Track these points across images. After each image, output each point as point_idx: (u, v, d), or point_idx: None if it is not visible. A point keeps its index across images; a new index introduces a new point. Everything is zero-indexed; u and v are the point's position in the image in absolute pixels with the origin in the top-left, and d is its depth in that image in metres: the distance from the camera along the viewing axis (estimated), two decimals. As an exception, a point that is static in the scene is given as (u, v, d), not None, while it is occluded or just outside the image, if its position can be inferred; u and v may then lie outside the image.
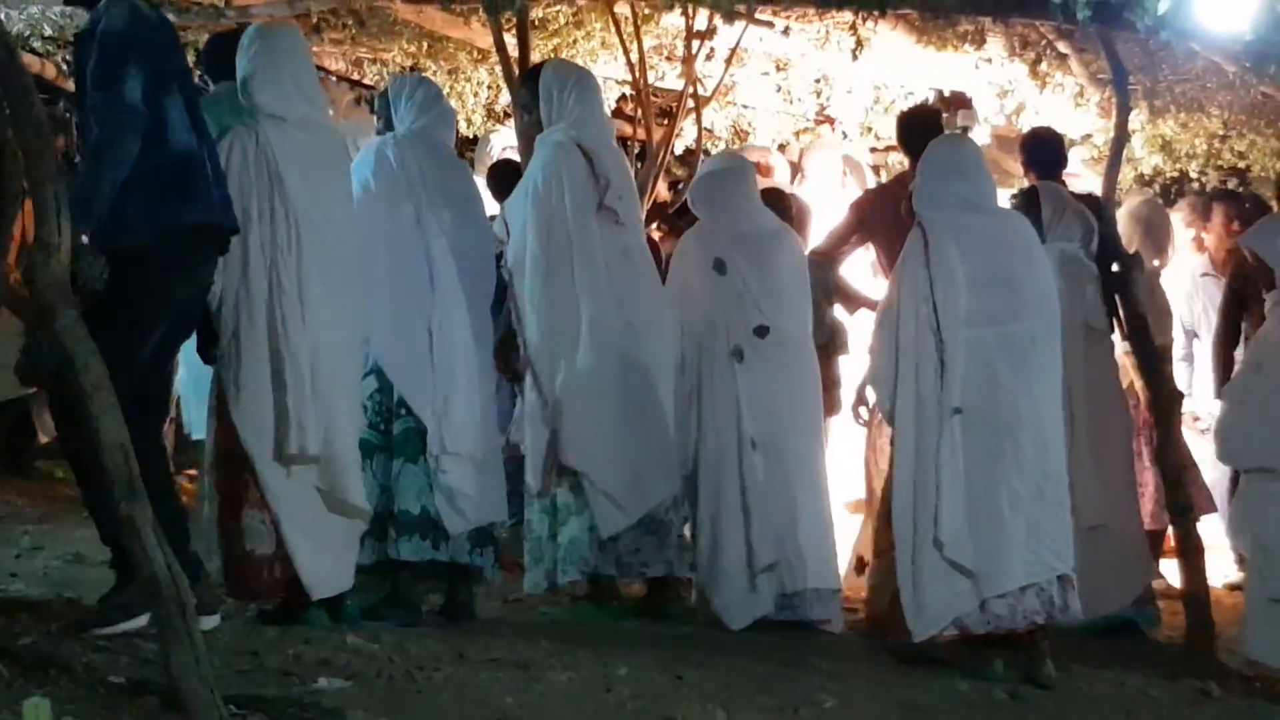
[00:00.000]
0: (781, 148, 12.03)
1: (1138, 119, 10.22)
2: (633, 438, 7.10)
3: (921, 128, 8.46)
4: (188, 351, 6.34)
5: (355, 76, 11.74)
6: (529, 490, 7.07)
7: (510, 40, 8.68)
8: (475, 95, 11.47)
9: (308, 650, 5.51)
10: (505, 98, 10.54)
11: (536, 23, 9.87)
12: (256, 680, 5.07)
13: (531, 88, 7.37)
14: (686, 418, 7.35)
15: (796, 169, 11.47)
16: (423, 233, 6.77)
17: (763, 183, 10.19)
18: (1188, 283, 10.02)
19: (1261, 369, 7.21)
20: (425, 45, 10.99)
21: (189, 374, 6.89)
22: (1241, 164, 11.32)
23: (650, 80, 10.36)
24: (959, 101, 11.01)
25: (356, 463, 6.28)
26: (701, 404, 7.37)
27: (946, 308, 6.55)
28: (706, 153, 11.09)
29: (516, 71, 8.52)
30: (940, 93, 11.00)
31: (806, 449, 7.52)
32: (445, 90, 11.03)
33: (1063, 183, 8.49)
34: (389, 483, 6.64)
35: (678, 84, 10.79)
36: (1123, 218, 9.29)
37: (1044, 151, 8.53)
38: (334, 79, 11.45)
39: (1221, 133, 10.73)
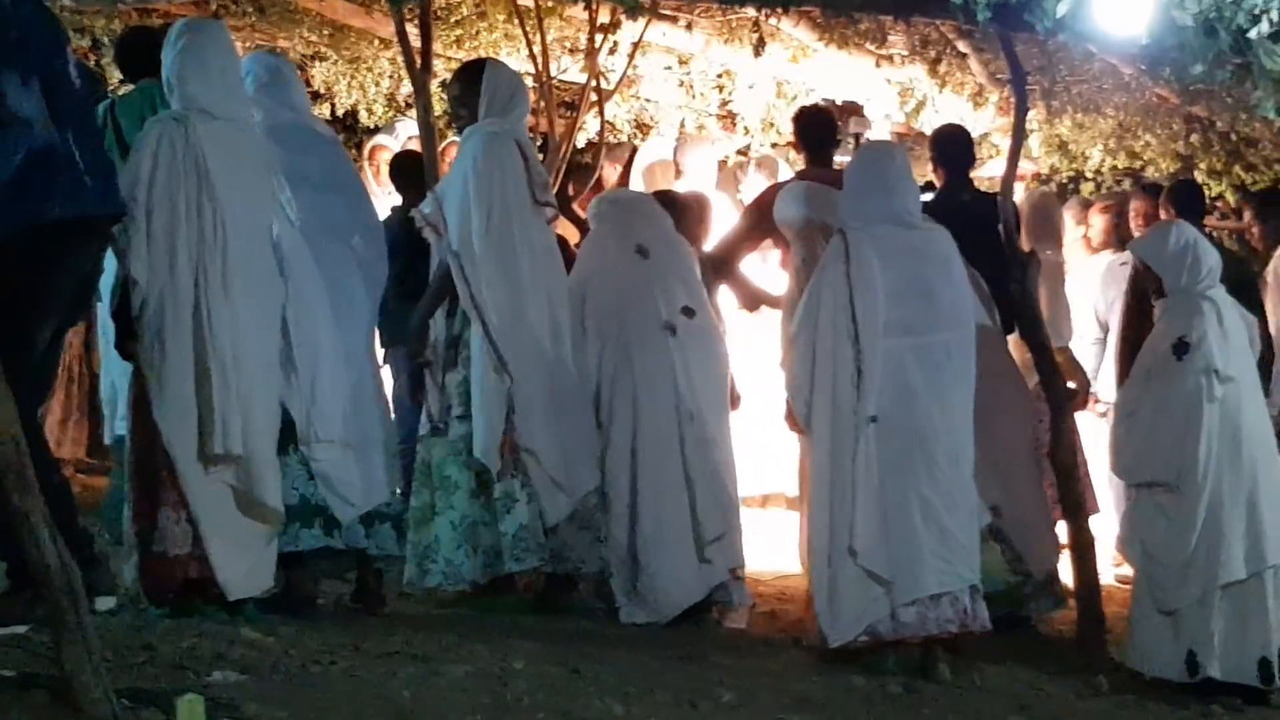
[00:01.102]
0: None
1: (1035, 119, 10.33)
2: (565, 427, 7.16)
3: (816, 126, 8.52)
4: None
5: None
6: (466, 476, 7.06)
7: (412, 30, 8.64)
8: (377, 85, 11.43)
9: (202, 643, 5.46)
10: (407, 87, 10.50)
11: (439, 13, 9.85)
12: (149, 674, 5.01)
13: (470, 83, 7.34)
14: (610, 403, 7.38)
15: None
16: (273, 218, 6.53)
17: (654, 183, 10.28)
18: (1103, 272, 10.12)
19: (1150, 379, 7.30)
20: (326, 34, 10.94)
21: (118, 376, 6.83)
22: (1136, 164, 11.44)
23: (553, 73, 10.34)
24: (851, 110, 11.09)
25: (274, 463, 6.23)
26: (635, 384, 7.38)
27: (865, 318, 6.60)
28: (608, 145, 11.11)
29: (418, 62, 8.48)
30: (832, 102, 11.04)
31: (721, 429, 7.58)
32: (346, 80, 11.02)
33: (970, 181, 8.58)
34: None
35: (581, 77, 10.79)
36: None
37: (953, 149, 8.59)
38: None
39: (1117, 133, 10.85)
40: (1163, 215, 9.70)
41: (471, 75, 7.41)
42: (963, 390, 6.77)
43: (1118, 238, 10.39)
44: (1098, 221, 10.47)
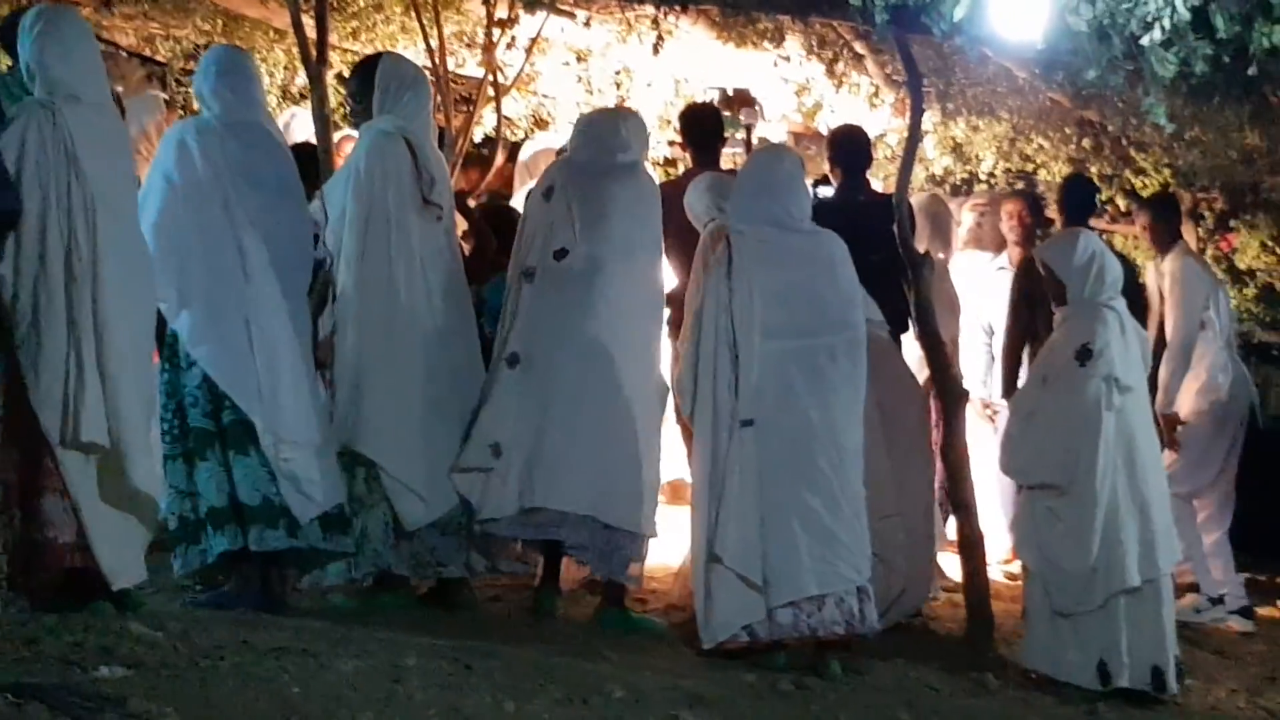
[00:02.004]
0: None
1: (930, 120, 10.40)
2: (434, 435, 7.06)
3: (702, 124, 8.54)
4: None
5: (147, 53, 11.53)
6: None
7: (308, 21, 8.57)
8: (271, 76, 11.32)
9: (89, 638, 5.39)
10: (302, 78, 10.43)
11: (335, 4, 9.79)
12: (35, 668, 4.95)
13: (365, 77, 7.29)
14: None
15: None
16: (232, 223, 6.64)
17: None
18: (985, 275, 10.22)
19: (1047, 382, 7.39)
20: (220, 23, 10.84)
21: None
22: (1029, 167, 11.55)
23: (450, 67, 10.30)
24: (742, 100, 11.10)
25: (146, 449, 6.15)
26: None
27: (742, 321, 6.63)
28: (506, 141, 11.08)
29: (314, 53, 8.42)
30: (724, 91, 11.06)
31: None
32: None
33: (866, 181, 8.63)
34: (228, 473, 6.56)
35: (478, 72, 10.75)
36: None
37: (851, 149, 8.64)
38: (125, 55, 11.24)
39: (1011, 136, 10.94)
40: (1055, 212, 9.83)
41: (366, 70, 7.36)
42: (848, 393, 6.80)
43: (979, 237, 10.52)
44: (966, 219, 10.59)
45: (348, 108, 7.82)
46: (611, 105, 7.93)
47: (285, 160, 6.99)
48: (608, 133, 7.49)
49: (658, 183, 7.84)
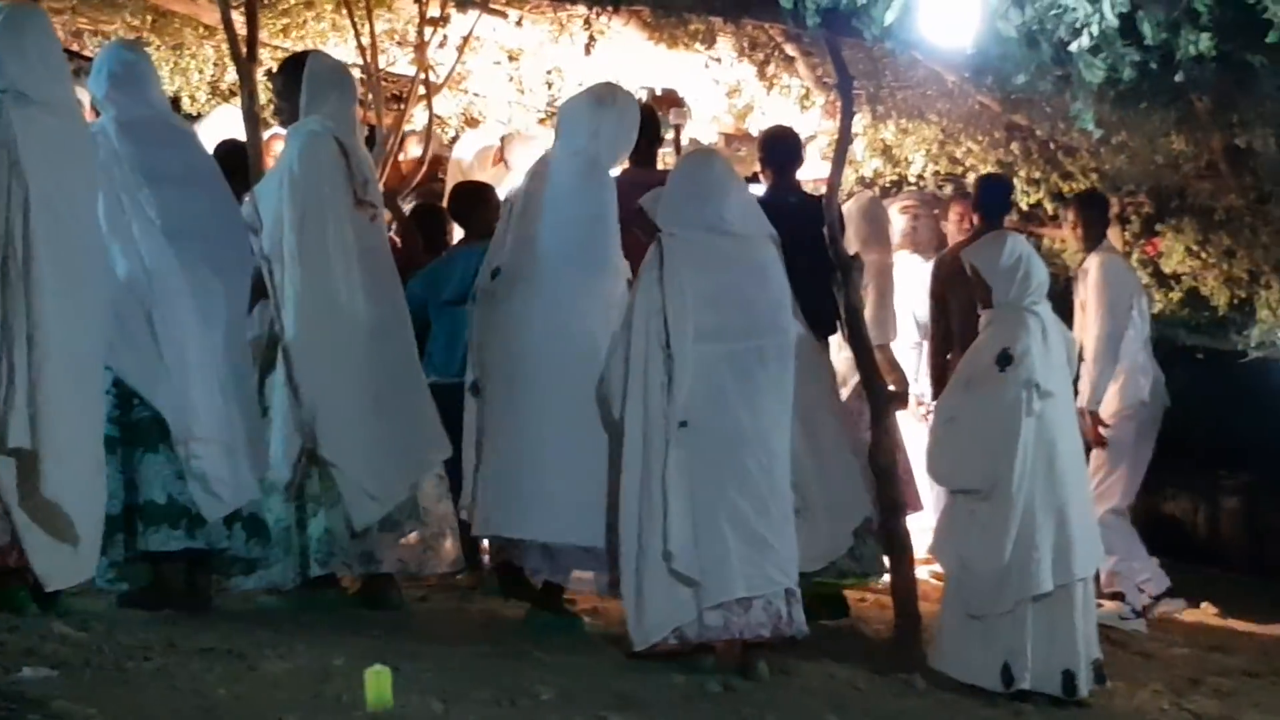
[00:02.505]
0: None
1: (860, 123, 10.44)
2: (378, 431, 7.05)
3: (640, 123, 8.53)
4: None
5: (75, 48, 11.44)
6: (274, 481, 6.97)
7: (238, 18, 8.54)
8: (200, 72, 11.27)
9: (12, 638, 5.36)
10: (231, 75, 10.39)
11: (266, 1, 9.74)
12: (-42, 668, 4.92)
13: (291, 76, 7.25)
14: None
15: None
16: (127, 219, 6.54)
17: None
18: (920, 275, 10.28)
19: (971, 386, 7.43)
20: (149, 19, 10.77)
21: None
22: (958, 170, 11.61)
23: (381, 65, 10.28)
24: (671, 100, 11.13)
25: (77, 458, 6.06)
26: None
27: (676, 324, 6.63)
28: (439, 140, 11.07)
29: (243, 50, 8.38)
30: (652, 90, 11.08)
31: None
32: (169, 66, 10.86)
33: (797, 183, 8.65)
34: (133, 475, 6.48)
35: (409, 70, 10.74)
36: (848, 215, 9.52)
37: (781, 150, 8.66)
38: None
39: (940, 139, 11.00)
40: (970, 210, 9.90)
41: (292, 69, 7.31)
42: (777, 396, 6.80)
43: (915, 239, 10.59)
44: (898, 221, 10.65)
45: (275, 107, 7.78)
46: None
47: (193, 150, 6.97)
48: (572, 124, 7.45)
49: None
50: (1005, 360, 7.25)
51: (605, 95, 7.48)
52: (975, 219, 9.50)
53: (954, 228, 10.25)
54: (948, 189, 11.74)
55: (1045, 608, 7.18)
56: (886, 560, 8.04)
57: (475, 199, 8.80)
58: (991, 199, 9.50)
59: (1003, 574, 7.14)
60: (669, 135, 10.69)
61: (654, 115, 9.00)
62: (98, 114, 6.90)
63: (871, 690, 6.92)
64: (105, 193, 6.46)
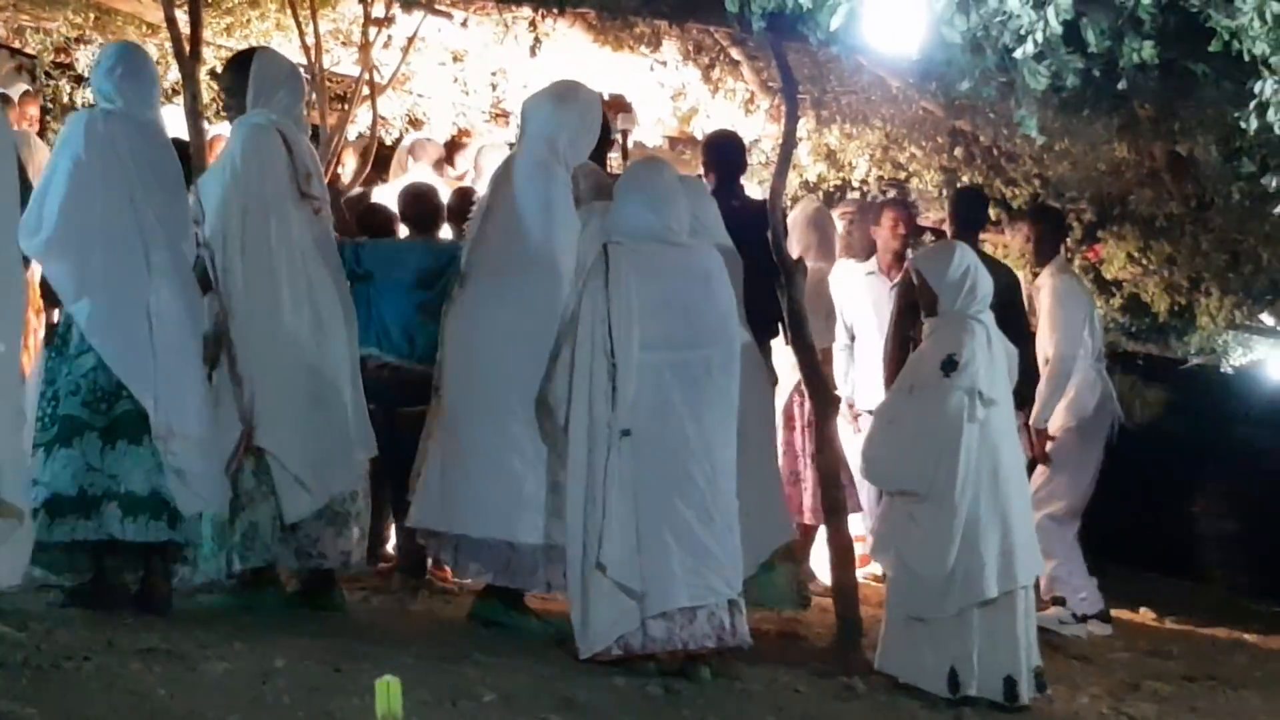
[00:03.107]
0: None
1: (805, 127, 10.46)
2: (316, 424, 7.06)
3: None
4: None
5: (16, 45, 11.38)
6: None
7: (181, 16, 8.50)
8: (144, 70, 11.18)
9: (-50, 638, 5.33)
10: (175, 74, 10.32)
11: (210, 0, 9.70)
12: (-105, 669, 4.88)
13: (239, 72, 7.25)
14: None
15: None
16: (136, 214, 6.60)
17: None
18: (853, 280, 10.32)
19: (914, 391, 7.45)
20: (92, 17, 10.70)
21: None
22: (901, 175, 11.65)
23: (325, 65, 10.24)
24: (618, 105, 11.12)
25: (15, 459, 6.03)
26: None
27: (620, 332, 6.63)
28: (381, 141, 11.04)
29: (187, 49, 8.35)
30: (599, 95, 11.07)
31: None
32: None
33: (741, 186, 8.67)
34: (101, 464, 6.46)
35: (354, 70, 10.70)
36: (794, 222, 9.55)
37: (726, 154, 8.68)
38: (-6, 46, 11.11)
39: (884, 144, 11.03)
40: (904, 217, 9.95)
41: (240, 64, 7.33)
42: (722, 406, 6.82)
43: (849, 244, 10.61)
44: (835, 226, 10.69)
45: (222, 102, 7.77)
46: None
47: (175, 156, 6.98)
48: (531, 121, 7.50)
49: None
50: (950, 365, 7.28)
51: (567, 92, 7.51)
52: (951, 231, 9.54)
53: (887, 234, 10.27)
54: (892, 193, 11.77)
55: (990, 614, 7.21)
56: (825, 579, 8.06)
57: (421, 200, 8.80)
58: (966, 213, 9.56)
59: (947, 579, 7.17)
60: (616, 139, 10.69)
61: (604, 118, 9.00)
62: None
63: (813, 693, 6.94)
64: (115, 184, 6.56)
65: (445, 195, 9.31)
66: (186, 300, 6.72)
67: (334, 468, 7.10)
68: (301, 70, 8.07)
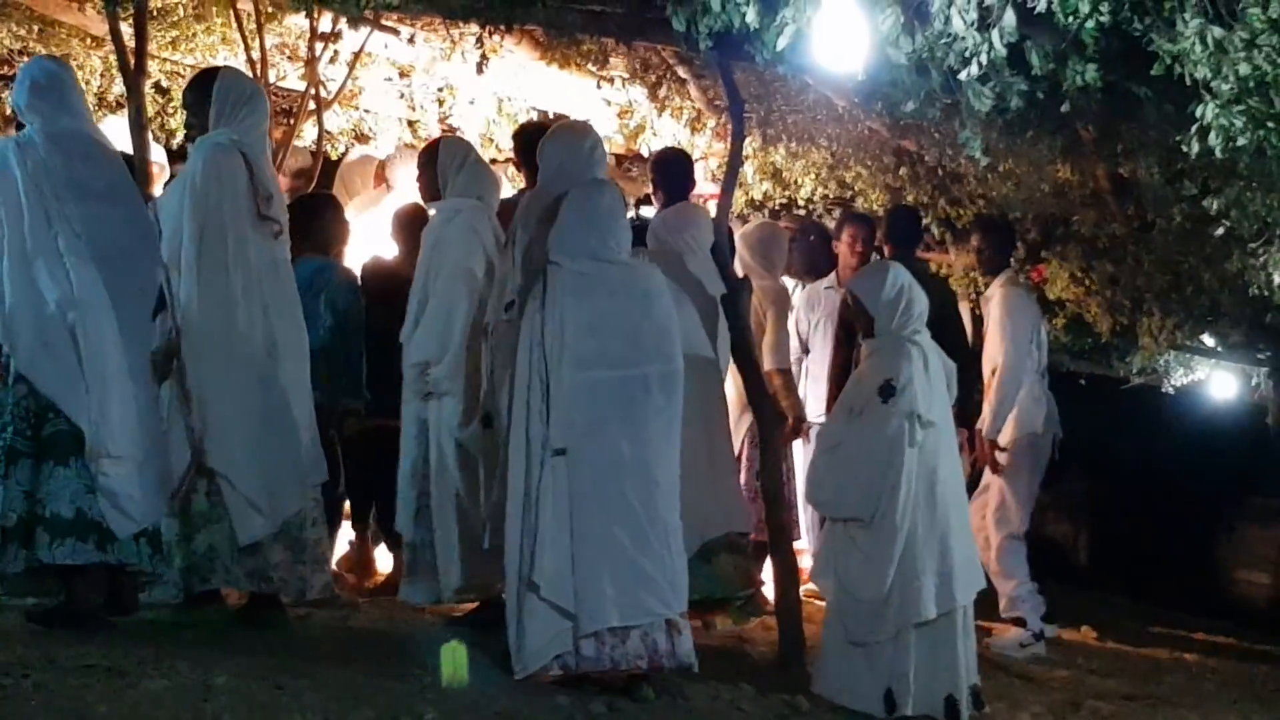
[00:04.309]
0: None
1: (751, 146, 10.49)
2: (268, 446, 7.04)
3: (535, 143, 8.54)
4: None
5: (-41, 58, 11.30)
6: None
7: (126, 29, 8.45)
8: (87, 84, 11.12)
9: (-113, 654, 5.28)
10: (119, 87, 10.28)
11: (155, 13, 9.66)
12: None
13: (203, 91, 7.23)
14: None
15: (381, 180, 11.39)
16: (57, 236, 6.53)
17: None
18: (810, 293, 10.35)
19: (853, 414, 7.48)
20: (35, 29, 10.64)
21: None
22: (847, 194, 11.69)
23: (271, 79, 10.22)
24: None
25: None
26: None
27: (554, 351, 6.63)
28: (326, 156, 11.02)
29: (132, 62, 8.31)
30: (545, 114, 11.10)
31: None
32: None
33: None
34: (33, 489, 6.43)
35: (300, 85, 10.69)
36: (742, 239, 9.58)
37: (673, 171, 8.70)
38: (-65, 60, 11.02)
39: (830, 163, 11.06)
40: (881, 243, 9.98)
41: (203, 83, 7.32)
42: (661, 425, 6.78)
43: (792, 262, 10.64)
44: None
45: (165, 117, 7.75)
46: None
47: (114, 166, 6.90)
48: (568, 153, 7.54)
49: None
50: (888, 391, 7.31)
51: (582, 130, 7.70)
52: (888, 250, 9.59)
53: (846, 250, 10.30)
54: (836, 213, 11.80)
55: (928, 634, 7.24)
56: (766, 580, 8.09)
57: (313, 211, 8.79)
58: (900, 230, 9.61)
59: (884, 601, 7.20)
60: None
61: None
62: (19, 127, 6.87)
63: (755, 711, 6.95)
64: (33, 206, 6.50)
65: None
66: (122, 314, 6.62)
67: (286, 490, 7.08)
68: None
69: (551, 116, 10.99)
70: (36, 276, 6.48)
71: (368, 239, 9.98)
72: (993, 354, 9.63)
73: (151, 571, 6.74)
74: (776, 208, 12.14)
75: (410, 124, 11.85)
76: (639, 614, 6.63)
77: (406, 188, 10.51)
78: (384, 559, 9.36)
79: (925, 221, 11.13)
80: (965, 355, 9.19)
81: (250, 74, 9.70)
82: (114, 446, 6.49)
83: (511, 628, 6.62)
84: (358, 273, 9.10)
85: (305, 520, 7.16)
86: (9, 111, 11.11)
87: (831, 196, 11.80)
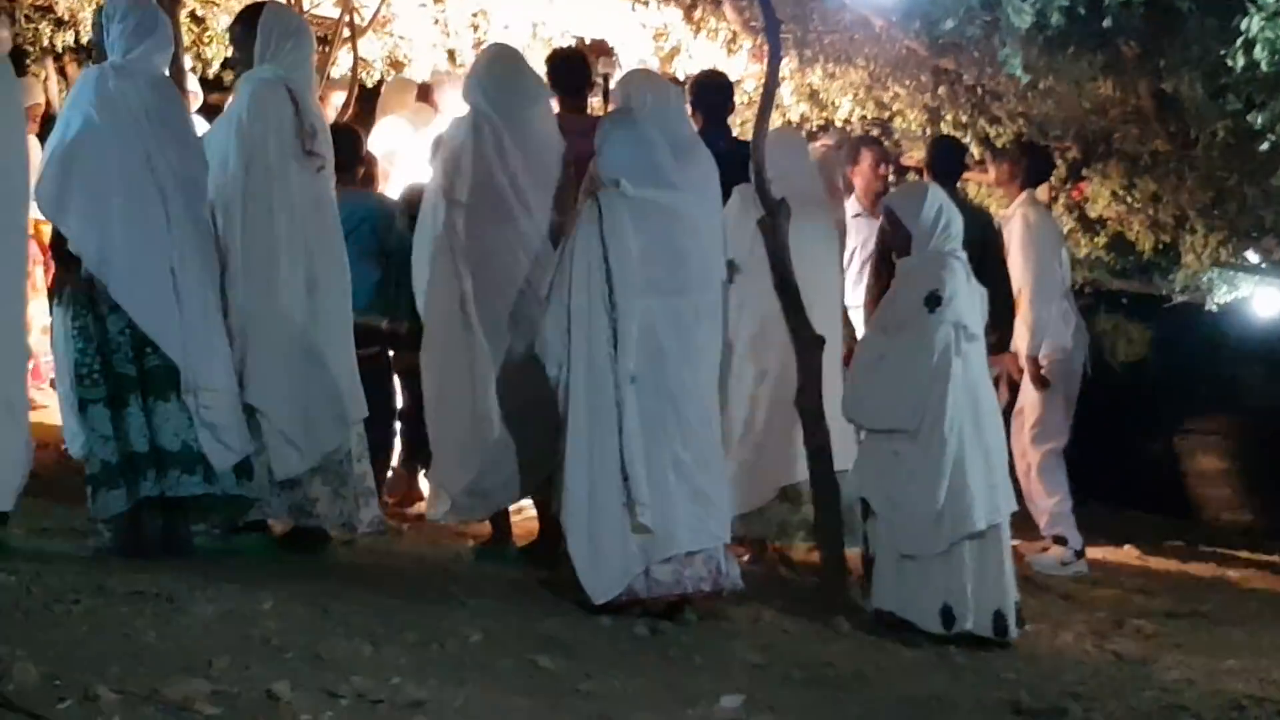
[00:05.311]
0: None
1: (787, 67, 10.43)
2: (309, 383, 7.05)
3: (570, 69, 8.51)
4: None
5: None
6: None
7: (161, -42, 8.42)
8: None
9: (-62, 582, 5.33)
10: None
11: (190, -57, 9.64)
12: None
13: (247, 25, 7.21)
14: None
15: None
16: (153, 171, 6.60)
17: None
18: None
19: (889, 331, 7.46)
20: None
21: None
22: (885, 114, 11.62)
23: (305, 7, 10.19)
24: (600, 49, 11.08)
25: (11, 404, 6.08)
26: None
27: (620, 278, 6.62)
28: (362, 84, 10.99)
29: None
30: (581, 40, 11.04)
31: None
32: (89, 10, 10.73)
33: (728, 128, 8.63)
34: (140, 421, 6.51)
35: (334, 12, 10.65)
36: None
37: (712, 95, 8.66)
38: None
39: (867, 84, 11.00)
40: (923, 172, 9.93)
41: (248, 18, 7.29)
42: (710, 353, 6.88)
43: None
44: None
45: (229, 56, 7.78)
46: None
47: (179, 99, 7.02)
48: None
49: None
50: (934, 301, 7.28)
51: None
52: (928, 179, 9.52)
53: (869, 174, 10.22)
54: (875, 133, 11.73)
55: (978, 548, 7.22)
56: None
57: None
58: (942, 162, 9.54)
59: (938, 514, 7.18)
60: (598, 85, 10.68)
61: (585, 60, 8.99)
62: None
63: (797, 633, 6.97)
64: (130, 137, 6.56)
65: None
66: (204, 255, 6.75)
67: (326, 426, 7.09)
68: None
69: (587, 41, 10.94)
70: (134, 209, 6.53)
71: (414, 161, 9.93)
72: (1018, 275, 9.60)
73: (249, 497, 6.82)
74: (814, 129, 12.07)
75: (449, 52, 11.80)
76: (706, 538, 6.70)
77: (454, 111, 10.50)
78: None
79: (964, 141, 11.07)
80: (1005, 284, 9.15)
81: (285, 3, 9.68)
82: (207, 379, 6.59)
83: (581, 556, 6.61)
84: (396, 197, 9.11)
85: (348, 455, 7.16)
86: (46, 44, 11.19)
87: (869, 118, 11.73)
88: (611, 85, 10.83)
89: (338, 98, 10.85)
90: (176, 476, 6.51)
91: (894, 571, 7.31)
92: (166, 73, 6.98)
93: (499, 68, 7.75)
